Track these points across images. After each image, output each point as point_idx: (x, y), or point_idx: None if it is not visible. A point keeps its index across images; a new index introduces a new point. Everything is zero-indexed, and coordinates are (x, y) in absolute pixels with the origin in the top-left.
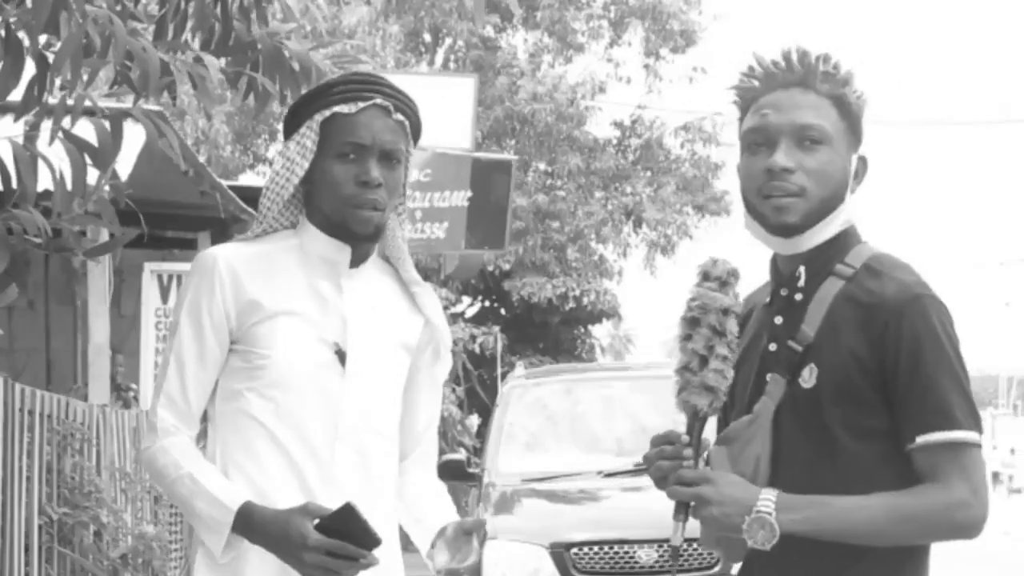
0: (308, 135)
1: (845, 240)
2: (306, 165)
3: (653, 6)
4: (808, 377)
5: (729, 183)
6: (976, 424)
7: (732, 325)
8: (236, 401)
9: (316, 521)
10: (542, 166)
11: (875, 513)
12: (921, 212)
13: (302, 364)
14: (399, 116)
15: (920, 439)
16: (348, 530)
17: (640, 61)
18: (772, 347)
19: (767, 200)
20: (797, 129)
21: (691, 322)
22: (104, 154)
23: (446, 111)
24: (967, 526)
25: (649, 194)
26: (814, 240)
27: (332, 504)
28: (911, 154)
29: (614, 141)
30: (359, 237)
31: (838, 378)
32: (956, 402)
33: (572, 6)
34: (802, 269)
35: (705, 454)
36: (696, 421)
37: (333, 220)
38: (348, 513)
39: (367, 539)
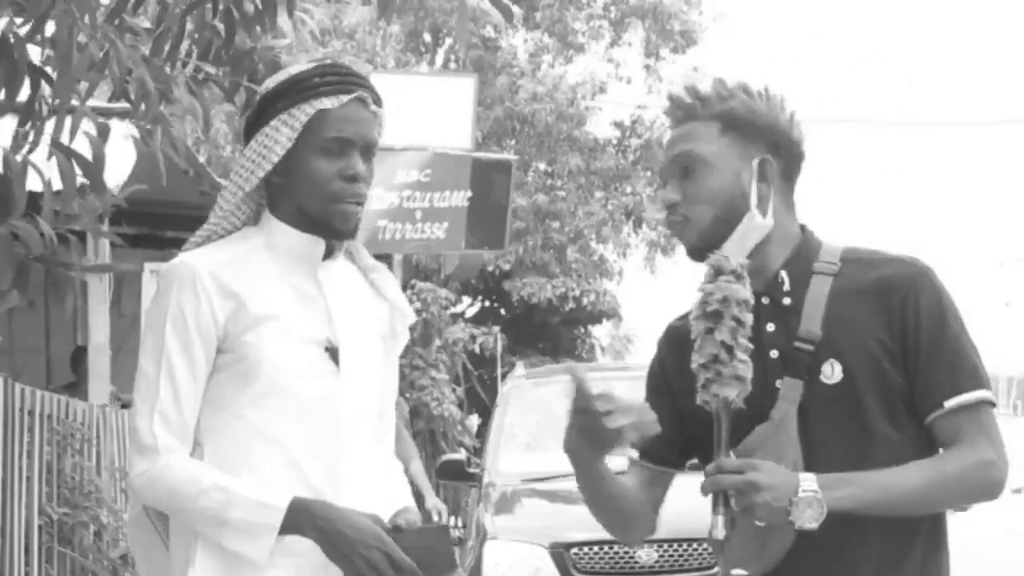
0: (283, 129)
1: (810, 242)
2: (275, 159)
3: (654, 6)
4: (831, 373)
5: None
6: (989, 384)
7: (749, 318)
8: (229, 411)
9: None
10: (542, 166)
11: (913, 480)
12: (921, 212)
13: (295, 366)
14: (375, 107)
15: (949, 402)
16: (424, 549)
17: (640, 61)
18: (774, 354)
19: (675, 234)
20: (672, 162)
21: (713, 315)
22: (95, 167)
23: (446, 111)
24: (995, 484)
25: (649, 194)
26: (739, 251)
27: (340, 498)
28: (911, 154)
29: (614, 141)
30: (340, 233)
31: (867, 366)
32: (978, 363)
33: (572, 6)
34: (784, 274)
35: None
36: (725, 412)
37: (314, 216)
38: (437, 533)
39: (442, 563)
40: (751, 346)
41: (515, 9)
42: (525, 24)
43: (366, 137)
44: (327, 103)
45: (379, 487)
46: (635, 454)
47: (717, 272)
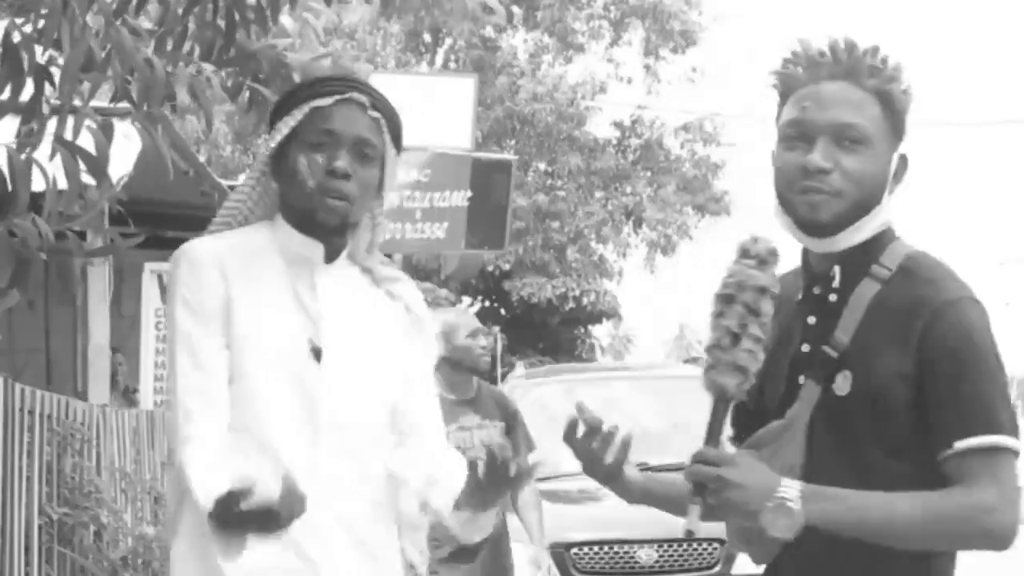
0: (281, 128)
1: (881, 237)
2: (265, 157)
3: (653, 6)
4: (842, 384)
5: (729, 183)
6: (1016, 431)
7: (767, 306)
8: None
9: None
10: (542, 166)
11: (900, 511)
12: (921, 212)
13: (278, 362)
14: (375, 113)
15: (960, 444)
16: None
17: (640, 61)
18: (805, 348)
19: (800, 196)
20: (837, 128)
21: (725, 299)
22: (99, 161)
23: (446, 111)
24: (994, 533)
25: (649, 194)
26: (848, 241)
27: (325, 500)
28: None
29: (614, 141)
30: (326, 228)
31: (873, 386)
32: (999, 406)
33: (572, 6)
34: (837, 269)
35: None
36: (722, 402)
37: (301, 211)
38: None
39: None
40: (763, 336)
41: (515, 9)
42: (525, 24)
43: (355, 134)
44: (319, 102)
45: (368, 486)
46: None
47: (743, 254)
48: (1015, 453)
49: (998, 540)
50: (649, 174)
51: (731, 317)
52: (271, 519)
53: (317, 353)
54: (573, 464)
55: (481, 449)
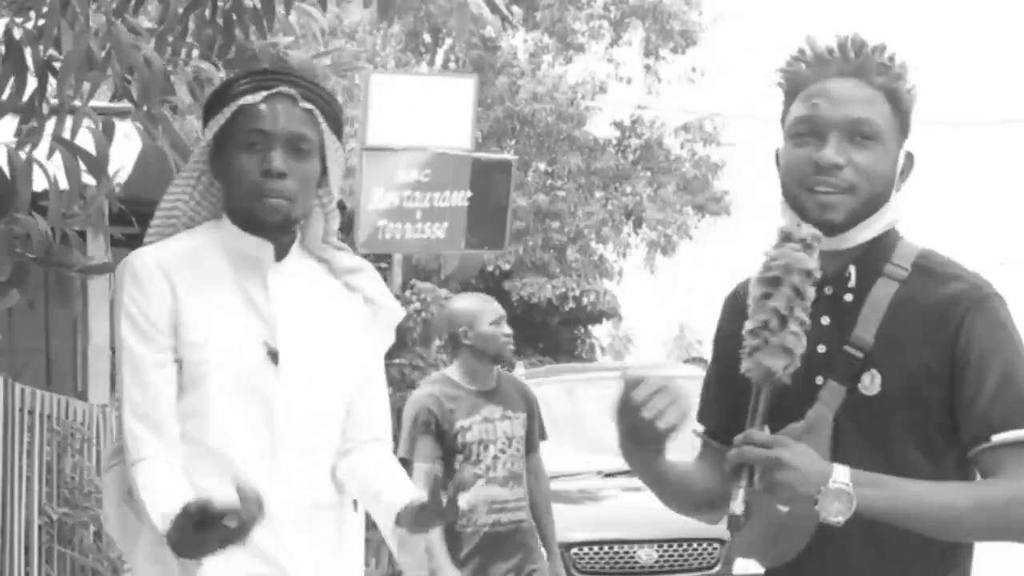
0: (212, 127)
1: (890, 237)
2: (199, 159)
3: (653, 6)
4: (870, 384)
5: (729, 183)
6: None
7: (811, 291)
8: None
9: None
10: (542, 166)
11: (947, 498)
12: (921, 212)
13: (234, 367)
14: (307, 104)
15: (997, 437)
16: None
17: (640, 61)
18: (821, 349)
19: (811, 194)
20: (850, 123)
21: (772, 281)
22: (100, 160)
23: (446, 111)
24: None
25: (649, 194)
26: (856, 239)
27: (284, 506)
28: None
29: (614, 141)
30: (269, 228)
31: (905, 384)
32: None
33: (572, 6)
34: (852, 269)
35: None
36: (768, 384)
37: (242, 212)
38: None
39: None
40: (808, 320)
41: (515, 9)
42: (525, 24)
43: (288, 131)
44: (247, 99)
45: (329, 485)
46: (699, 428)
47: (785, 238)
48: None
49: None
50: (649, 174)
51: (780, 299)
52: (231, 533)
53: (274, 355)
54: (572, 464)
55: (505, 442)
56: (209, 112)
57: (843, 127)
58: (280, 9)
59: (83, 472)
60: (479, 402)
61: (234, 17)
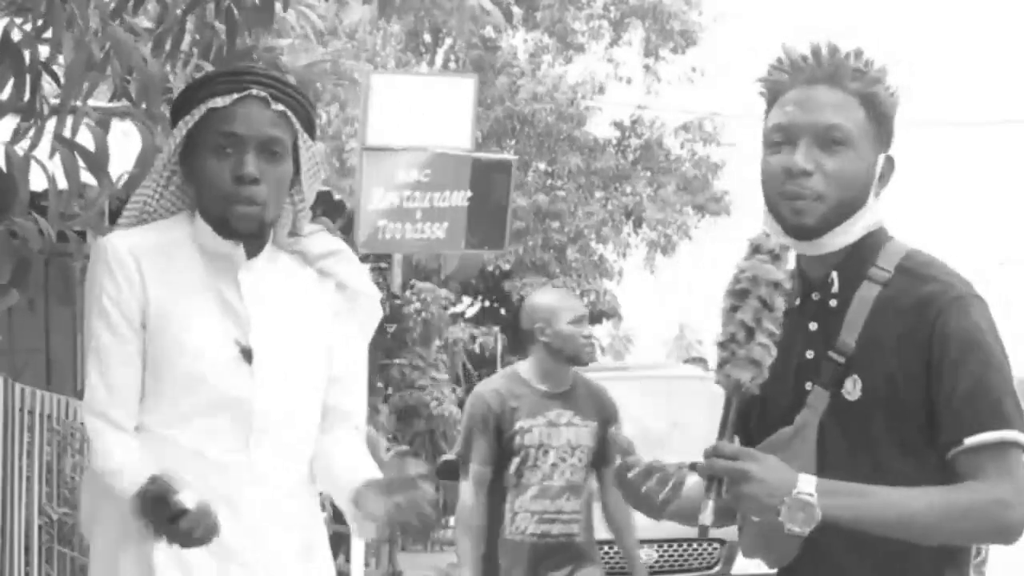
0: (181, 129)
1: (874, 239)
2: (165, 162)
3: (653, 6)
4: (852, 389)
5: (729, 183)
6: (1023, 424)
7: (780, 301)
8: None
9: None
10: (542, 166)
11: (917, 506)
12: (921, 212)
13: (207, 367)
14: (279, 106)
15: (970, 440)
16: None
17: (640, 61)
18: (809, 354)
19: (785, 200)
20: (820, 129)
21: (740, 294)
22: (99, 159)
23: (446, 111)
24: (1008, 527)
25: (649, 194)
26: (835, 244)
27: (260, 504)
28: (912, 154)
29: (614, 141)
30: (241, 234)
31: (885, 388)
32: (1006, 401)
33: (572, 6)
34: (835, 275)
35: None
36: (737, 395)
37: (214, 217)
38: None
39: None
40: (776, 331)
41: (515, 9)
42: (525, 24)
43: (260, 135)
44: (218, 102)
45: (304, 484)
46: None
47: (755, 250)
48: (1022, 448)
49: (1012, 534)
50: (649, 174)
51: (747, 311)
52: (182, 532)
53: (247, 354)
54: None
55: (568, 450)
56: (178, 113)
57: (813, 133)
58: (279, 7)
59: (83, 472)
60: (546, 403)
61: (235, 15)
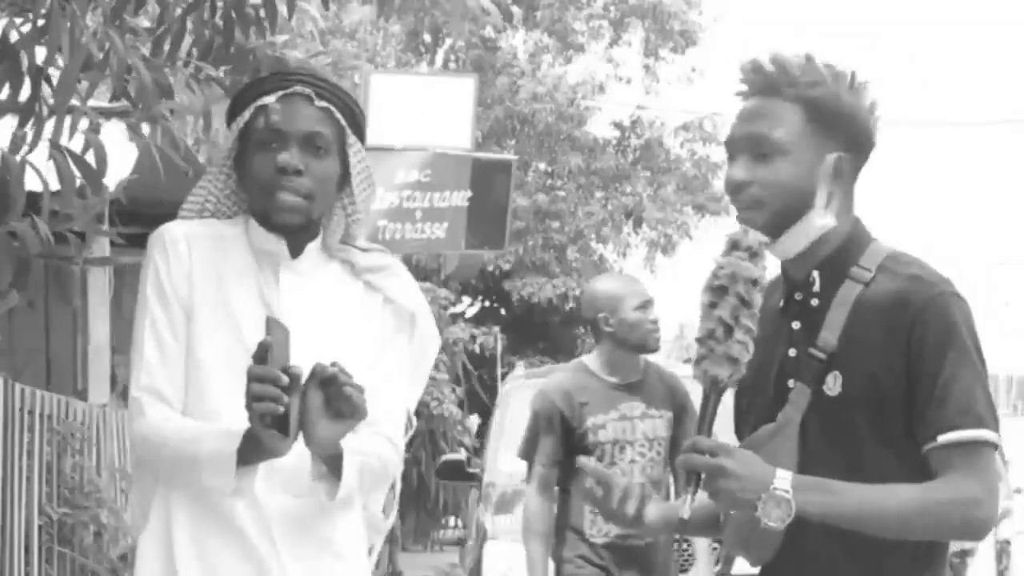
0: (233, 130)
1: (857, 240)
2: (221, 162)
3: (653, 6)
4: (833, 385)
5: None
6: (996, 424)
7: (758, 298)
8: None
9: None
10: (542, 166)
11: (889, 503)
12: (921, 212)
13: (237, 364)
14: (322, 103)
15: (943, 438)
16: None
17: (640, 61)
18: (792, 352)
19: (736, 212)
20: (750, 141)
21: (718, 290)
22: (97, 172)
23: (446, 111)
24: (976, 525)
25: (649, 194)
26: (794, 247)
27: (284, 500)
28: (912, 154)
29: (614, 141)
30: (284, 227)
31: (864, 384)
32: (979, 400)
33: (572, 6)
34: (816, 274)
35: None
36: (714, 392)
37: (259, 210)
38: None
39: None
40: (754, 328)
41: (515, 9)
42: (525, 24)
43: (302, 129)
44: (264, 100)
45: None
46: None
47: (733, 246)
48: (995, 446)
49: (980, 531)
50: (649, 174)
51: (725, 308)
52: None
53: None
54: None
55: (645, 444)
56: (232, 114)
57: (745, 145)
58: (283, 9)
59: (83, 472)
60: (617, 396)
61: (233, 16)
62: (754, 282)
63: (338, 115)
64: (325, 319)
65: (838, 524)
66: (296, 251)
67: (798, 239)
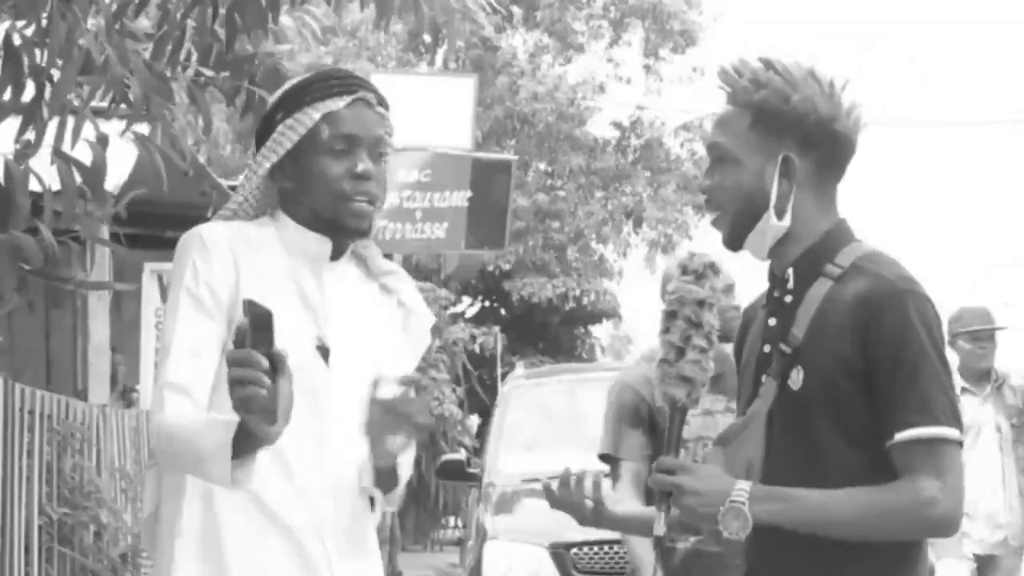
0: (288, 133)
1: (836, 239)
2: (274, 159)
3: (653, 6)
4: (796, 379)
5: None
6: (956, 421)
7: (709, 317)
8: (213, 396)
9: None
10: (542, 166)
11: (845, 507)
12: (921, 212)
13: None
14: (380, 109)
15: (900, 435)
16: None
17: (640, 61)
18: (766, 349)
19: None
20: (710, 149)
21: (668, 315)
22: (96, 174)
23: (446, 111)
24: (936, 523)
25: (649, 194)
26: (759, 249)
27: (332, 498)
28: (912, 154)
29: (614, 141)
30: (352, 232)
31: (824, 379)
32: (936, 398)
33: (572, 6)
34: (790, 271)
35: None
36: (675, 412)
37: (324, 216)
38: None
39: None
40: (707, 346)
41: (515, 9)
42: (525, 24)
43: (372, 135)
44: (332, 105)
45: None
46: None
47: (682, 271)
48: (956, 443)
49: (942, 529)
50: (649, 174)
51: (674, 332)
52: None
53: (324, 352)
54: (572, 464)
55: None
56: (278, 114)
57: (709, 153)
58: (284, 9)
59: (83, 472)
60: None
61: (235, 18)
62: (701, 303)
63: (389, 120)
64: (360, 320)
65: (796, 529)
66: (337, 253)
67: (761, 239)
